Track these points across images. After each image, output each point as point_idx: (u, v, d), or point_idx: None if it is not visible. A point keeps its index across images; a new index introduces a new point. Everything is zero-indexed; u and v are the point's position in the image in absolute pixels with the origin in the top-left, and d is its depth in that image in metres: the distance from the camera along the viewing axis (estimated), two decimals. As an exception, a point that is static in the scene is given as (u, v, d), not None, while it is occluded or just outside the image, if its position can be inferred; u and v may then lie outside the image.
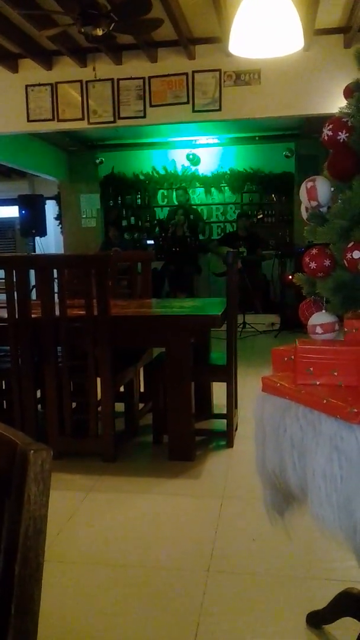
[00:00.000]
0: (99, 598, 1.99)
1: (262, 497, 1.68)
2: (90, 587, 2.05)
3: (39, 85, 5.72)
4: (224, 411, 3.43)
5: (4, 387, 3.47)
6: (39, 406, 3.44)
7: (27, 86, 5.74)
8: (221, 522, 2.48)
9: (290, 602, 1.91)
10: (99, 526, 2.50)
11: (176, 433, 3.17)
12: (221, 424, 3.49)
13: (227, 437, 3.39)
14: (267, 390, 1.54)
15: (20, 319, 3.08)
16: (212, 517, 2.53)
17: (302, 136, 8.61)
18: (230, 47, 2.35)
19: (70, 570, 2.16)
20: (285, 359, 1.56)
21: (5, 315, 3.10)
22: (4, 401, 3.51)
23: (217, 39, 5.15)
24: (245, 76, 5.42)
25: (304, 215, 1.69)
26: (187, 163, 9.65)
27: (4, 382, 3.45)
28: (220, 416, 3.60)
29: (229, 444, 3.37)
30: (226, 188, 9.70)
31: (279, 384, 1.50)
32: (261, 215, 9.41)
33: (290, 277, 7.41)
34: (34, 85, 5.73)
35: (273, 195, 9.48)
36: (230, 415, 3.38)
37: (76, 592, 2.02)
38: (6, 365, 3.29)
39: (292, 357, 1.52)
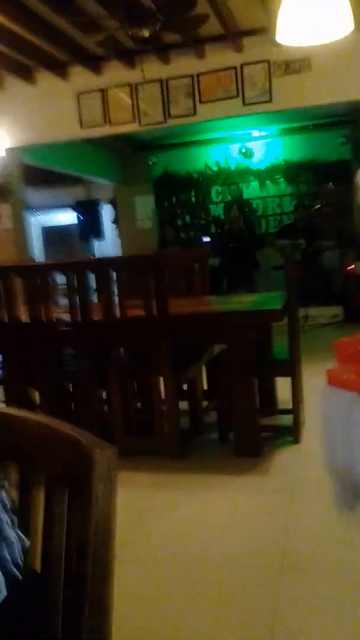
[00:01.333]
0: (171, 596, 1.99)
1: (332, 493, 1.64)
2: (162, 585, 2.07)
3: (90, 91, 5.81)
4: (290, 406, 3.37)
5: (70, 389, 3.55)
6: (105, 407, 3.49)
7: (78, 93, 5.85)
8: (291, 519, 2.44)
9: (367, 600, 1.86)
10: (169, 524, 2.51)
11: (242, 430, 3.14)
12: (287, 419, 3.44)
13: (293, 433, 3.33)
14: (333, 383, 1.49)
15: (82, 322, 3.13)
16: (282, 514, 2.49)
17: (356, 121, 8.37)
18: (278, 37, 2.31)
19: (142, 568, 2.18)
20: (351, 350, 1.52)
21: (69, 319, 3.16)
22: (71, 403, 3.58)
23: (264, 30, 5.07)
24: (295, 65, 5.31)
25: (363, 201, 1.64)
26: (240, 157, 9.58)
27: (70, 384, 3.52)
28: (286, 412, 3.55)
29: (296, 440, 3.31)
30: (281, 180, 9.56)
31: (345, 377, 1.46)
32: (319, 205, 9.22)
33: (351, 267, 7.23)
34: (84, 92, 5.83)
35: (330, 183, 9.25)
36: (296, 410, 3.32)
37: (148, 591, 2.04)
38: (71, 367, 3.36)
39: (358, 348, 1.47)
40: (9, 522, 0.75)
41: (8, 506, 0.77)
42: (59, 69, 5.75)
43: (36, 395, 3.39)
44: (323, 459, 1.59)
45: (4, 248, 6.32)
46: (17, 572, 0.72)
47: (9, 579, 0.71)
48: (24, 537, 0.77)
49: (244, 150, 9.48)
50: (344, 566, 2.06)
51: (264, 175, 9.58)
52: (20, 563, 0.74)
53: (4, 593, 0.70)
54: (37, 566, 0.91)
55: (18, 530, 0.76)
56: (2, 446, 0.81)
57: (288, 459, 3.13)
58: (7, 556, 0.72)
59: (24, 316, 3.25)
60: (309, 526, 2.38)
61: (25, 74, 5.81)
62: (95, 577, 0.76)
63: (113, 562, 0.79)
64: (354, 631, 1.74)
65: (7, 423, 0.92)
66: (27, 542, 0.78)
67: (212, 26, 4.72)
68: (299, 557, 2.16)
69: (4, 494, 0.78)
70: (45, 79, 5.88)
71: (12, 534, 0.74)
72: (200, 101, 5.58)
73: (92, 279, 3.32)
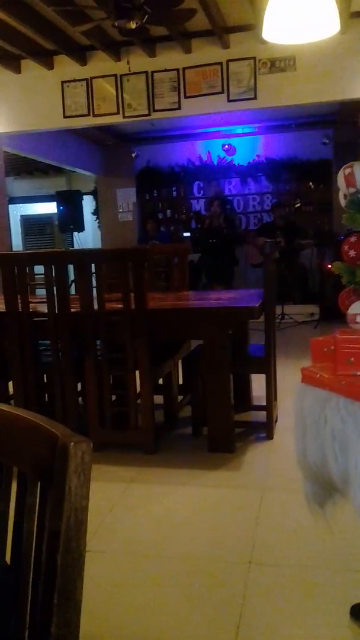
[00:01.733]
0: (139, 589, 2.01)
1: (303, 489, 1.67)
2: (131, 578, 2.08)
3: (74, 80, 5.76)
4: (264, 403, 3.41)
5: (45, 381, 3.53)
6: (80, 399, 3.49)
7: (62, 82, 5.79)
8: (262, 514, 2.47)
9: (333, 595, 1.89)
10: (140, 518, 2.52)
11: (216, 425, 3.17)
12: (261, 415, 3.48)
13: (266, 429, 3.37)
14: (307, 381, 1.52)
15: (60, 314, 3.12)
16: (253, 509, 2.52)
17: (339, 122, 8.43)
18: (264, 34, 2.31)
19: (112, 561, 2.19)
20: (325, 349, 1.54)
21: (46, 310, 3.15)
22: (46, 394, 3.57)
23: (251, 27, 5.08)
24: (281, 63, 5.33)
25: (342, 202, 1.66)
26: (222, 153, 9.59)
27: (45, 375, 3.50)
28: (259, 408, 3.58)
29: (269, 436, 3.35)
30: (262, 177, 9.60)
31: (319, 375, 1.48)
32: (299, 204, 9.29)
33: (329, 266, 7.30)
34: (69, 81, 5.78)
35: (310, 183, 9.32)
36: (269, 407, 3.36)
37: (117, 583, 2.05)
38: (47, 359, 3.34)
39: (332, 347, 1.50)
40: None
41: None
42: (45, 58, 5.69)
43: (10, 386, 3.37)
44: (295, 456, 1.62)
45: (-18, 236, 6.25)
46: None
47: None
48: None
49: (226, 147, 9.50)
50: (313, 561, 2.09)
51: (245, 172, 9.62)
52: None
53: None
54: (7, 557, 0.91)
55: None
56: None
57: (260, 454, 3.16)
58: None
59: (0, 306, 3.22)
60: (279, 521, 2.41)
61: (11, 62, 5.74)
62: (65, 569, 0.77)
63: (84, 554, 0.79)
64: (319, 626, 1.77)
65: (-19, 413, 0.92)
66: None
67: (199, 21, 4.71)
68: (267, 552, 2.18)
69: None
70: (31, 68, 5.82)
71: None
72: (185, 95, 5.57)
73: (70, 271, 3.31)
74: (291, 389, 1.60)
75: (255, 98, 5.44)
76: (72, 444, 0.77)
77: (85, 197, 9.78)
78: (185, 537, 2.34)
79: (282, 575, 2.03)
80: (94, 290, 3.13)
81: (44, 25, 4.97)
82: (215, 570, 2.10)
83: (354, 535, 2.15)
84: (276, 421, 3.52)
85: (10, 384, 3.35)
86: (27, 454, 0.86)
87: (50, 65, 5.77)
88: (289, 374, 4.36)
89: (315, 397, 1.49)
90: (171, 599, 1.94)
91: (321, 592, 1.92)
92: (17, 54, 5.54)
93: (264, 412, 3.40)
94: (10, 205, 9.33)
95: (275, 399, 3.57)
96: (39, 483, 0.85)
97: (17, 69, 5.86)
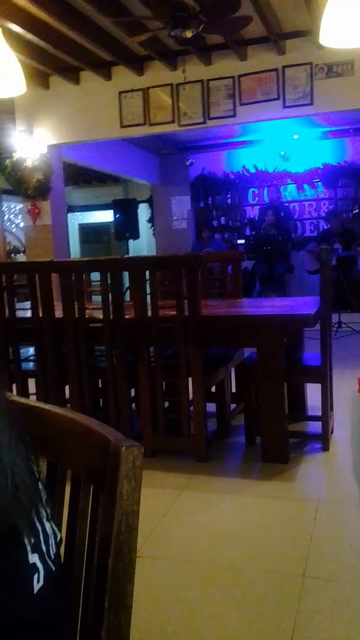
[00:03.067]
0: (191, 597, 1.99)
1: (359, 502, 1.62)
2: (182, 586, 2.07)
3: (132, 91, 5.86)
4: (319, 413, 3.34)
5: (100, 386, 3.58)
6: (133, 405, 3.52)
7: (120, 92, 5.90)
8: (317, 527, 2.41)
9: (391, 614, 1.82)
10: (191, 525, 2.51)
11: (269, 434, 3.12)
12: (316, 426, 3.40)
13: (322, 440, 3.30)
14: (364, 391, 1.47)
15: (114, 320, 3.16)
16: (308, 521, 2.47)
17: None
18: (322, 39, 2.28)
19: (164, 567, 2.19)
20: (383, 358, 1.50)
21: (101, 316, 3.19)
22: (100, 399, 3.62)
23: (307, 32, 5.03)
24: (338, 67, 5.25)
25: None
26: (278, 160, 9.52)
27: (100, 380, 3.55)
28: (315, 418, 3.51)
29: (325, 447, 3.27)
30: (319, 183, 9.47)
31: (376, 385, 1.44)
32: (357, 210, 9.10)
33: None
34: (126, 92, 5.87)
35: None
36: (325, 417, 3.28)
37: (168, 590, 2.04)
38: (102, 364, 3.39)
39: (391, 356, 1.45)
40: (46, 514, 0.76)
41: (44, 499, 0.78)
42: (103, 69, 5.81)
43: (66, 390, 3.44)
44: (351, 467, 1.57)
45: (43, 244, 6.42)
46: (51, 564, 0.74)
47: (45, 569, 0.72)
48: (57, 530, 0.79)
49: (282, 153, 9.42)
50: (369, 578, 2.03)
51: (301, 179, 9.51)
52: (53, 555, 0.76)
53: (41, 583, 0.71)
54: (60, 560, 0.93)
55: (52, 523, 0.77)
56: (32, 440, 0.82)
57: (315, 466, 3.10)
58: (44, 548, 0.74)
59: (58, 312, 3.29)
60: (334, 534, 2.35)
61: (70, 73, 5.89)
62: (116, 574, 0.77)
63: (135, 559, 0.79)
64: (376, 644, 1.71)
65: (37, 417, 0.93)
66: (60, 535, 0.79)
67: (255, 28, 4.71)
68: (322, 565, 2.13)
69: (41, 487, 0.79)
70: (89, 79, 5.96)
71: (48, 526, 0.76)
72: (240, 103, 5.57)
73: (126, 278, 3.35)
74: (347, 399, 1.56)
75: (311, 103, 5.37)
76: (123, 448, 0.77)
77: (140, 205, 9.92)
78: (237, 547, 2.31)
79: (337, 590, 1.97)
80: (148, 297, 3.15)
81: (102, 37, 5.08)
82: (269, 581, 2.06)
83: None
84: (332, 432, 3.44)
85: (67, 388, 3.41)
86: (80, 457, 0.87)
87: (108, 76, 5.89)
88: (345, 384, 4.26)
89: (372, 408, 1.44)
90: (222, 609, 1.92)
91: (378, 610, 1.85)
92: (76, 65, 5.68)
93: (319, 423, 3.33)
94: (68, 214, 9.57)
95: (332, 409, 3.49)
96: (91, 486, 0.85)
97: (76, 81, 6.01)
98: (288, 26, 5.04)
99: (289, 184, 9.59)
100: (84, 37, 4.89)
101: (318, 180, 9.45)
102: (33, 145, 6.19)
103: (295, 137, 9.06)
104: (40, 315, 3.28)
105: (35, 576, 0.71)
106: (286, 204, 9.37)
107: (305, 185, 9.55)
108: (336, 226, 8.06)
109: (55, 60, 5.55)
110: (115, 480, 0.77)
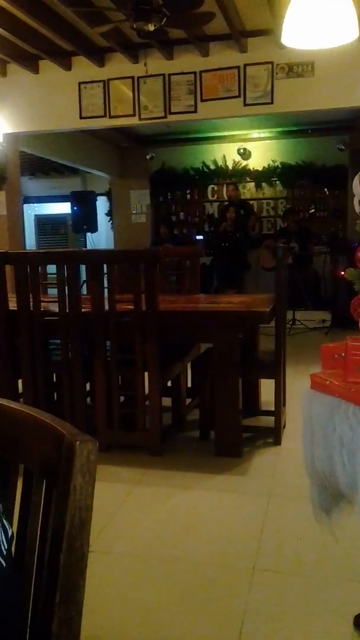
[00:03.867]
0: (142, 591, 2.00)
1: (309, 496, 1.66)
2: (134, 580, 2.07)
3: (92, 82, 5.79)
4: (272, 408, 3.39)
5: (54, 380, 3.54)
6: (88, 399, 3.49)
7: (80, 83, 5.82)
8: (267, 520, 2.46)
9: (337, 604, 1.87)
10: (144, 519, 2.52)
11: (223, 429, 3.16)
12: (269, 421, 3.46)
13: (274, 435, 3.35)
14: (316, 388, 1.51)
15: (70, 313, 3.13)
16: (259, 514, 2.51)
17: (356, 128, 8.41)
18: (283, 39, 2.31)
19: (116, 562, 2.19)
20: (336, 356, 1.53)
21: (57, 310, 3.16)
22: (54, 393, 3.58)
23: (269, 31, 5.08)
24: (299, 68, 5.32)
25: (357, 209, 1.65)
26: (237, 157, 9.58)
27: (54, 374, 3.51)
28: (268, 413, 3.57)
29: (277, 442, 3.33)
30: (277, 182, 9.58)
31: (328, 382, 1.47)
32: (313, 210, 9.26)
33: (342, 272, 7.25)
34: (86, 83, 5.80)
35: (325, 189, 9.29)
36: (278, 412, 3.34)
37: (120, 584, 2.05)
38: (57, 358, 3.35)
39: (343, 354, 1.49)
40: None
41: None
42: (63, 59, 5.72)
43: (20, 384, 3.39)
44: (303, 462, 1.61)
45: (-3, 234, 6.29)
46: (2, 561, 0.73)
47: None
48: (8, 526, 0.78)
49: (242, 151, 9.49)
50: (317, 569, 2.08)
51: (260, 177, 9.60)
52: (4, 551, 0.75)
53: None
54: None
55: (3, 519, 0.76)
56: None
57: (267, 460, 3.15)
58: None
59: (12, 304, 3.24)
60: (284, 527, 2.40)
61: (29, 62, 5.78)
62: (67, 568, 0.76)
63: (87, 554, 0.79)
64: (322, 635, 1.75)
65: (-11, 410, 0.92)
66: (11, 531, 0.78)
67: (218, 25, 4.72)
68: (272, 558, 2.17)
69: None
70: (48, 68, 5.85)
71: None
72: (201, 99, 5.58)
73: (83, 271, 3.32)
74: (300, 395, 1.59)
75: (271, 102, 5.43)
76: (78, 442, 0.77)
77: (99, 198, 9.82)
78: (189, 540, 2.33)
79: (285, 582, 2.02)
80: (106, 291, 3.14)
81: (63, 26, 5.00)
82: (219, 574, 2.09)
83: (359, 544, 2.13)
84: (284, 427, 3.51)
85: (20, 382, 3.36)
86: (33, 452, 0.86)
87: (68, 66, 5.80)
88: (299, 380, 4.34)
89: (324, 404, 1.48)
90: (173, 602, 1.93)
91: (324, 600, 1.90)
92: (36, 54, 5.57)
93: (272, 418, 3.39)
94: (24, 205, 9.39)
95: (284, 405, 3.56)
96: (44, 481, 0.85)
97: (35, 69, 5.90)
98: (250, 24, 5.08)
99: (247, 181, 9.67)
100: (44, 25, 4.81)
101: (276, 179, 9.55)
102: (-12, 133, 6.05)
103: (255, 134, 9.13)
104: (-5, 307, 3.21)
105: None
106: (248, 202, 9.43)
107: (263, 184, 9.64)
108: (293, 225, 8.18)
109: (13, 48, 5.43)
110: (69, 474, 0.77)
